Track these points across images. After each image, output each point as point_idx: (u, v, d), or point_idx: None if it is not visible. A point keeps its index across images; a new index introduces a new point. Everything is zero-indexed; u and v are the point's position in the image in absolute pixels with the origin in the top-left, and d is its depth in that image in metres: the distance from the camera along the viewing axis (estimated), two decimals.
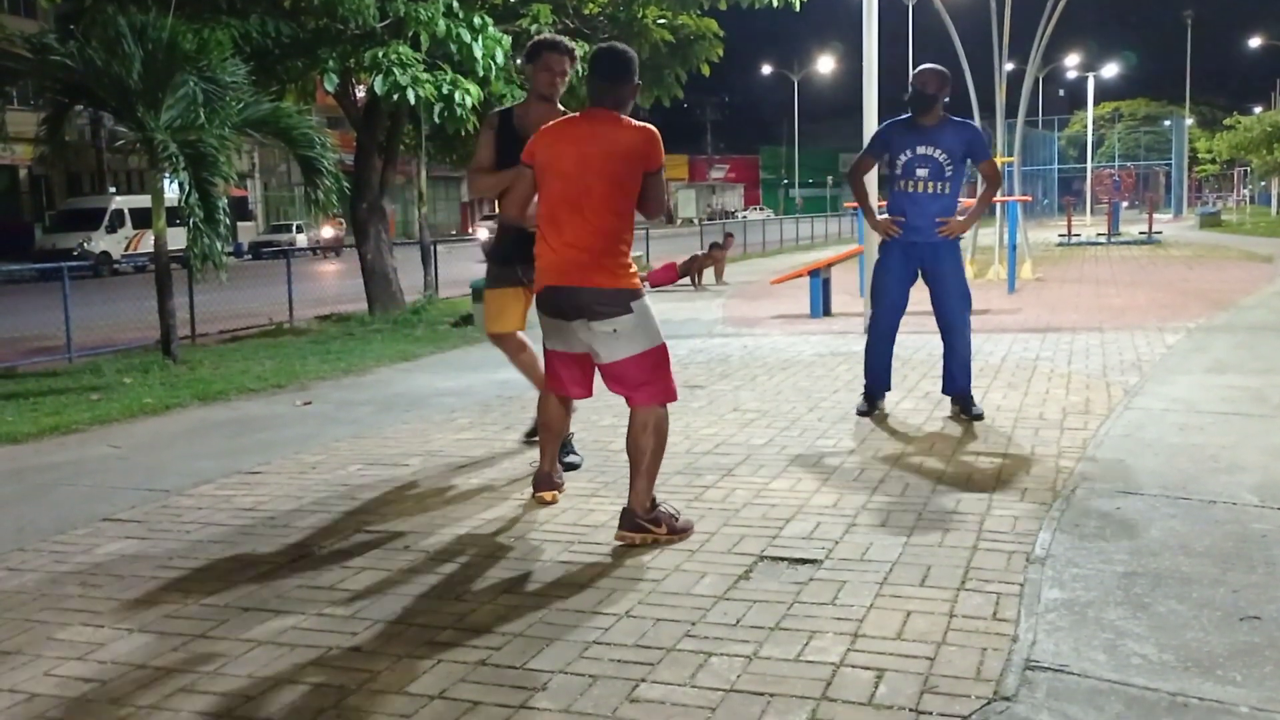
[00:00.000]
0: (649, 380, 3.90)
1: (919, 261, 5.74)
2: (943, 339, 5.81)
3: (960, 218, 5.75)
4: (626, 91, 3.92)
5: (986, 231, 18.14)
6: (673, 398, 3.99)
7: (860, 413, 5.92)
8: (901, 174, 5.71)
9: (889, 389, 6.08)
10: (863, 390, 6.05)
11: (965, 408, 5.77)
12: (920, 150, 5.63)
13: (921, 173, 5.63)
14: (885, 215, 5.80)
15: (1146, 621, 2.97)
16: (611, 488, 4.57)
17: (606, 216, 3.81)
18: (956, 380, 5.80)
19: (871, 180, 6.55)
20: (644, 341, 3.87)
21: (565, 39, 4.89)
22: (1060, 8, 16.61)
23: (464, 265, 17.54)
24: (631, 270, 3.88)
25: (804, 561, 3.56)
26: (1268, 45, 55.73)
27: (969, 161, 5.72)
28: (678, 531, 3.87)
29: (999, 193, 6.10)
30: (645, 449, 3.88)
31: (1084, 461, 4.75)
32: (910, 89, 5.66)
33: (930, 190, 5.63)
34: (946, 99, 5.67)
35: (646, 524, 3.84)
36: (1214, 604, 3.08)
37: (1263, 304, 10.95)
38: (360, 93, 13.03)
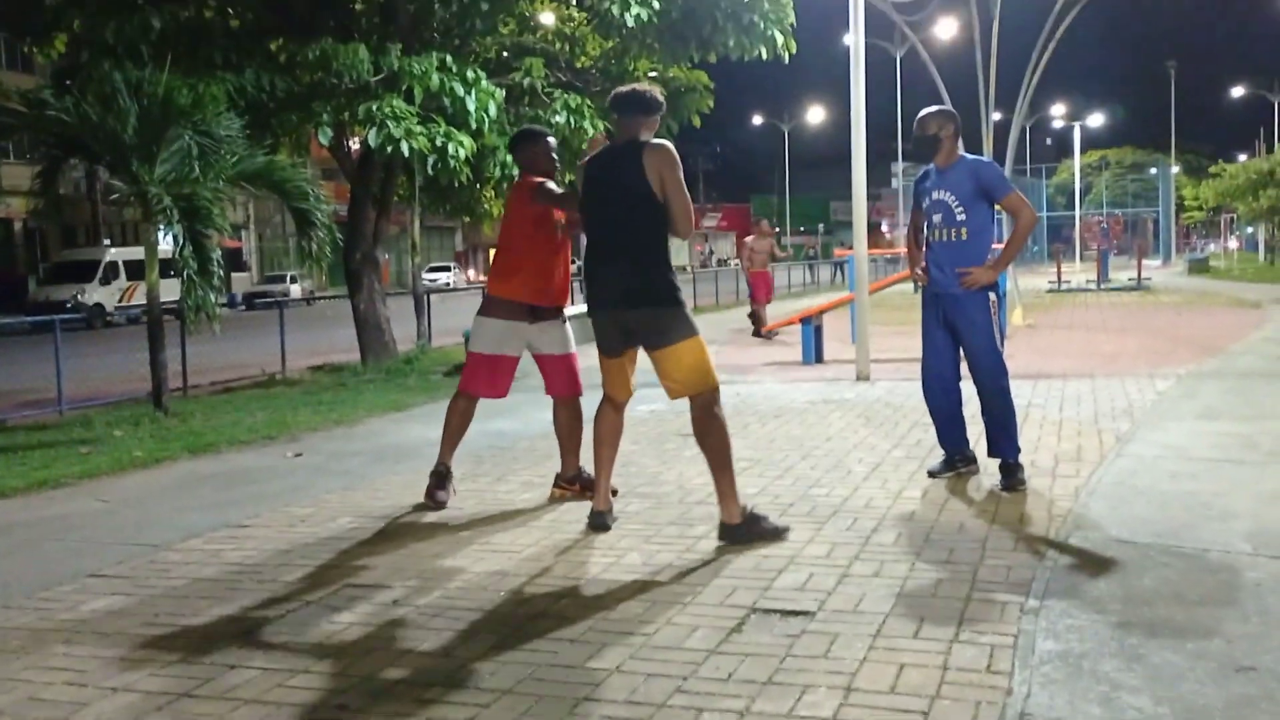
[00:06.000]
0: None
1: (944, 313, 5.36)
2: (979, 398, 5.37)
3: (986, 266, 5.24)
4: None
5: None
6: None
7: (931, 473, 5.48)
8: (926, 223, 5.46)
9: (966, 447, 5.52)
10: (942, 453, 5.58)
11: (1003, 477, 5.24)
12: (935, 196, 5.33)
13: (936, 219, 5.32)
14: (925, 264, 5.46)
15: (1141, 673, 2.95)
16: (605, 539, 4.54)
17: None
18: (992, 444, 5.33)
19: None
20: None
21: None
22: (1045, 59, 16.89)
23: (457, 315, 17.55)
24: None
25: (796, 614, 3.53)
26: (1250, 95, 56.56)
27: (991, 203, 5.30)
28: None
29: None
30: None
31: (1077, 509, 4.74)
32: (913, 136, 5.43)
33: (945, 238, 5.28)
34: (949, 136, 5.32)
35: None
36: (1209, 655, 3.06)
37: (1252, 350, 11.00)
38: (354, 145, 13.14)
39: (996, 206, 5.41)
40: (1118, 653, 3.10)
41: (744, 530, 4.33)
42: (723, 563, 4.12)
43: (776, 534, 4.37)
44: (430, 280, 45.33)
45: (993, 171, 5.38)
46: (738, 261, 19.95)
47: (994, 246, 5.67)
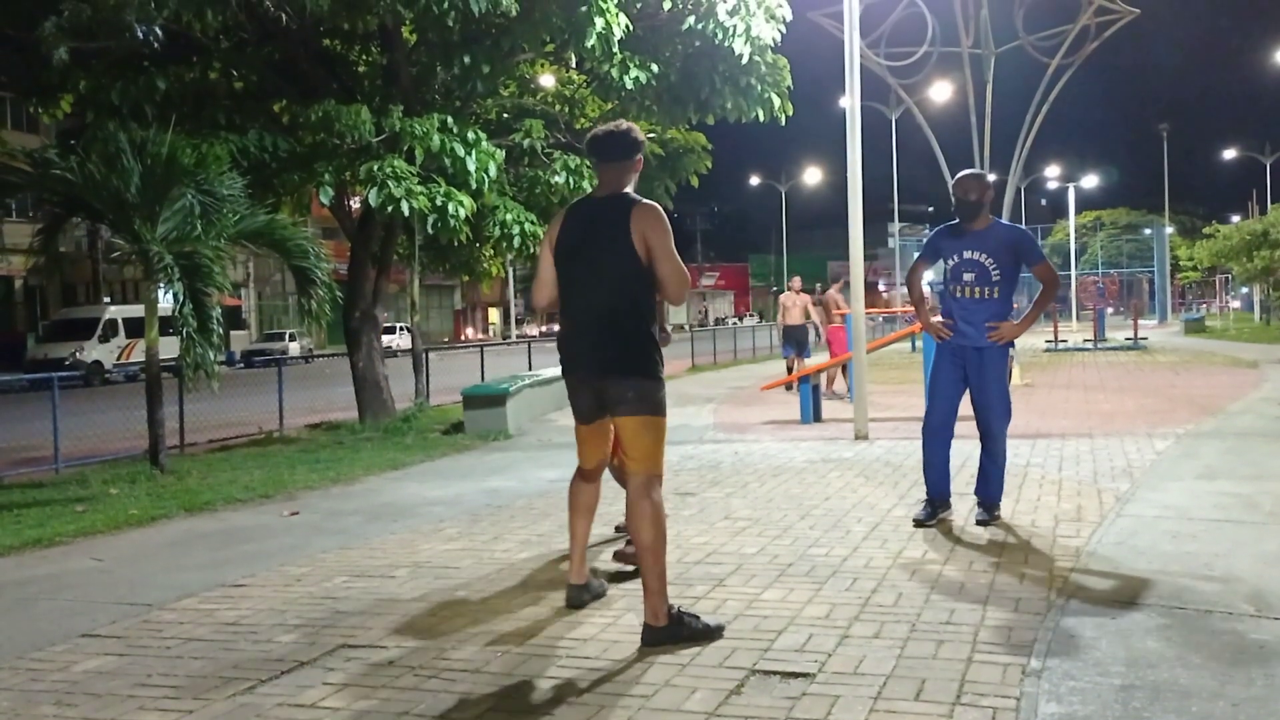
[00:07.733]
0: None
1: (965, 364, 5.67)
2: (981, 443, 5.75)
3: (1014, 323, 5.69)
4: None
5: None
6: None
7: (917, 522, 5.71)
8: (950, 278, 5.70)
9: (948, 492, 5.83)
10: (924, 498, 5.87)
11: (985, 511, 5.71)
12: (966, 255, 5.62)
13: (968, 277, 5.61)
14: (939, 318, 5.80)
15: None
16: (602, 599, 4.50)
17: None
18: (989, 486, 5.74)
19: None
20: None
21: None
22: (1039, 121, 17.12)
23: (456, 374, 17.58)
24: None
25: (796, 675, 3.49)
26: (1242, 157, 57.25)
27: (1022, 265, 5.68)
28: None
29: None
30: None
31: (1077, 570, 4.71)
32: (953, 197, 5.72)
33: (977, 295, 5.60)
34: (989, 200, 5.67)
35: None
36: (1214, 718, 3.02)
37: (1250, 410, 11.00)
38: (355, 204, 13.24)
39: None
40: (1121, 716, 3.06)
41: (669, 633, 3.85)
42: (722, 623, 4.08)
43: (709, 634, 3.89)
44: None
45: (1029, 240, 5.76)
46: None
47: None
